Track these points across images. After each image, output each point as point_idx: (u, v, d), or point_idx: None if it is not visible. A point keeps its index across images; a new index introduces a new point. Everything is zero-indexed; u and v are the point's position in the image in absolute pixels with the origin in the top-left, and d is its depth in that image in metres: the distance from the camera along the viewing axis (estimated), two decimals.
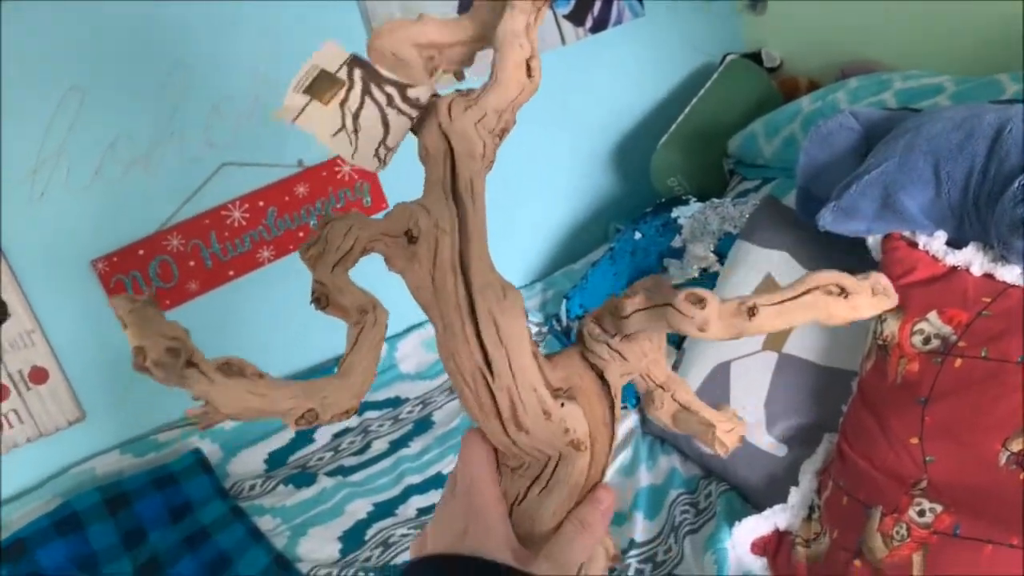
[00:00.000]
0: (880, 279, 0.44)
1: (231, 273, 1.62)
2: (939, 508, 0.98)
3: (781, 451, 1.22)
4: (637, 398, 1.52)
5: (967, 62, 1.61)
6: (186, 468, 1.50)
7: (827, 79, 1.89)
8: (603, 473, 0.53)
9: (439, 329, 0.49)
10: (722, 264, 1.50)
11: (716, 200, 1.69)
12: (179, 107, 1.50)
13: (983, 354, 1.01)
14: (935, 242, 1.13)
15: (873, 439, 1.07)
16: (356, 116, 0.50)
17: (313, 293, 0.48)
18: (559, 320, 1.73)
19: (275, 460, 1.56)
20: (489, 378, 0.48)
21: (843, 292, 0.43)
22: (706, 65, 2.09)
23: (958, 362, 1.02)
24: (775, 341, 1.27)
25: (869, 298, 0.43)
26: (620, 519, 1.31)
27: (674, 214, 1.70)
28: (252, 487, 1.49)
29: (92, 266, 1.50)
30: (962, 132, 1.11)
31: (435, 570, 0.50)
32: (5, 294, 1.43)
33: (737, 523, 1.16)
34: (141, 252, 1.54)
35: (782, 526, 1.15)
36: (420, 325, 1.78)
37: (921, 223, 1.14)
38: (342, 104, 0.49)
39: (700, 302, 0.43)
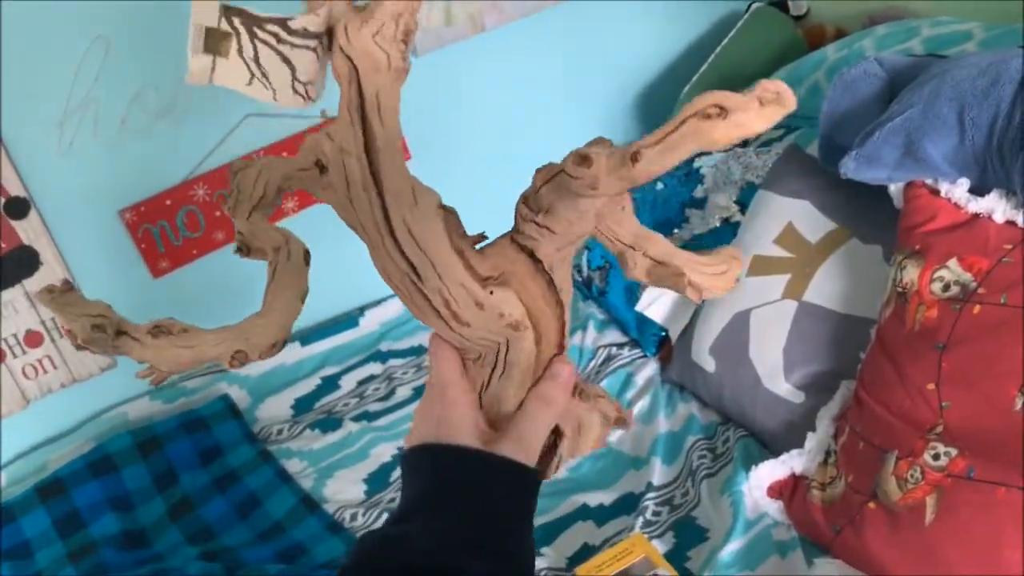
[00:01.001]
0: (768, 85, 0.40)
1: None
2: (954, 452, 0.99)
3: (799, 398, 1.24)
4: (657, 347, 1.53)
5: (997, 9, 1.58)
6: (215, 413, 1.54)
7: (854, 27, 1.86)
8: (560, 346, 0.55)
9: (368, 247, 0.51)
10: (744, 214, 1.50)
11: (739, 150, 1.68)
12: None
13: (1002, 300, 1.01)
14: (957, 189, 1.13)
15: (890, 385, 1.08)
16: (257, 61, 0.49)
17: (235, 243, 0.50)
18: (579, 271, 1.74)
19: (302, 406, 1.60)
20: (418, 282, 0.50)
21: (723, 112, 0.40)
22: (731, 13, 2.07)
23: (977, 308, 1.03)
24: (795, 290, 1.28)
25: (756, 111, 0.40)
26: (638, 463, 1.33)
27: (696, 164, 1.69)
28: (280, 432, 1.53)
29: (120, 216, 1.52)
30: (988, 78, 1.10)
31: (410, 459, 0.55)
32: (36, 244, 1.47)
33: (754, 467, 1.18)
34: (168, 202, 1.56)
35: (798, 470, 1.17)
36: None
37: (944, 170, 1.14)
38: (240, 53, 0.49)
39: (585, 161, 0.43)
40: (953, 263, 1.07)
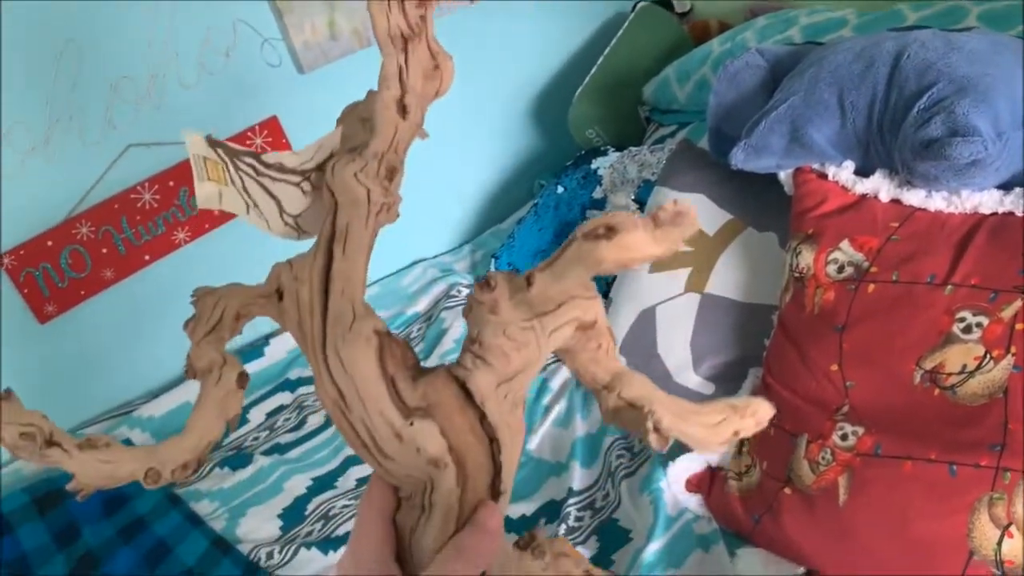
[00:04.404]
0: (668, 205, 0.37)
1: (147, 258, 1.57)
2: (861, 430, 1.00)
3: (709, 389, 1.24)
4: None
5: None
6: None
7: (737, 20, 1.90)
8: (495, 489, 0.49)
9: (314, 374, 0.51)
10: (643, 212, 1.50)
11: (633, 148, 1.69)
12: (75, 89, 1.44)
13: (894, 278, 1.03)
14: (844, 172, 1.15)
15: (795, 369, 1.09)
16: (246, 191, 0.51)
17: (184, 365, 0.52)
18: (489, 283, 1.72)
19: None
20: (345, 411, 0.47)
21: (610, 232, 0.37)
22: (618, 14, 2.08)
23: (871, 287, 1.04)
24: (697, 283, 1.29)
25: (648, 233, 0.37)
26: (559, 469, 1.32)
27: (594, 165, 1.70)
28: None
29: None
30: (863, 61, 1.12)
31: None
32: None
33: (671, 463, 1.18)
34: (50, 243, 1.48)
35: (714, 462, 1.17)
36: None
37: (829, 154, 1.16)
38: (233, 183, 0.51)
39: (487, 285, 0.43)
40: (845, 244, 1.09)
